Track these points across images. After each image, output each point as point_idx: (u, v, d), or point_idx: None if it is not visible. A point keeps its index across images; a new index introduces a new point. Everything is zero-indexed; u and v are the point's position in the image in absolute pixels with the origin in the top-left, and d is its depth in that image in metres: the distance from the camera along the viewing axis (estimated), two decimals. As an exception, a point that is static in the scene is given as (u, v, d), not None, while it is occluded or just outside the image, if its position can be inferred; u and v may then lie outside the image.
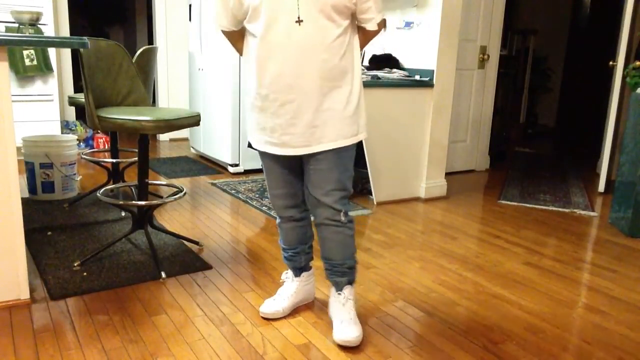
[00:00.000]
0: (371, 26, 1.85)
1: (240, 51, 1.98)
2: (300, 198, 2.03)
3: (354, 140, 1.89)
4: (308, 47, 1.74)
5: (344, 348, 1.92)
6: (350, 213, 2.00)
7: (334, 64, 1.78)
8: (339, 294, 2.04)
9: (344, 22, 1.77)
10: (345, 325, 1.95)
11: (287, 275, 2.20)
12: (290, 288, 2.16)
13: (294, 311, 2.17)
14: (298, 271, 2.17)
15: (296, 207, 2.04)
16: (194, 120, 2.61)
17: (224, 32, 1.93)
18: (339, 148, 1.86)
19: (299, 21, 1.71)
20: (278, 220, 2.11)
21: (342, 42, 1.79)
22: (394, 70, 4.00)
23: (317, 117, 1.81)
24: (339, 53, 1.78)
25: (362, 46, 1.93)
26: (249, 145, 3.89)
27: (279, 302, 2.13)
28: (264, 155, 1.97)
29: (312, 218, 2.07)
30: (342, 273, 2.02)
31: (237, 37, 1.94)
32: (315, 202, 1.93)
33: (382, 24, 1.88)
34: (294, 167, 1.97)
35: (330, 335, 2.00)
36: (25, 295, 2.16)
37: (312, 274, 2.23)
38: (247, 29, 1.83)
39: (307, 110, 1.79)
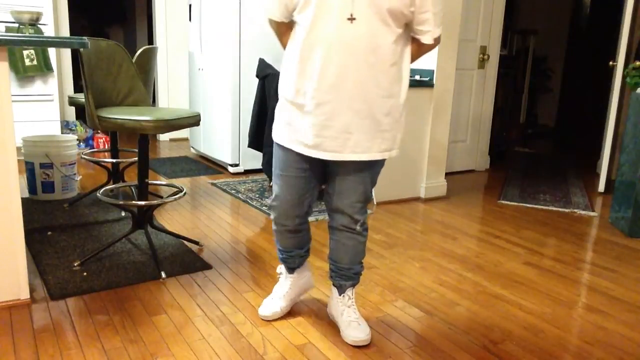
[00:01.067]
0: (427, 39, 1.73)
1: (284, 45, 1.87)
2: (304, 209, 1.95)
3: (387, 156, 1.82)
4: (356, 47, 1.64)
5: (344, 348, 1.92)
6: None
7: (381, 70, 1.69)
8: (343, 296, 2.04)
9: (398, 29, 1.67)
10: (355, 326, 1.97)
11: (282, 270, 2.18)
12: (285, 285, 2.15)
13: (294, 311, 2.17)
14: (292, 270, 2.15)
15: (298, 217, 1.95)
16: (194, 120, 2.60)
17: (272, 22, 1.82)
18: (372, 161, 1.81)
19: (352, 19, 1.61)
20: (273, 227, 2.04)
21: (394, 50, 1.69)
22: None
23: (353, 124, 1.72)
24: (388, 60, 1.68)
25: (414, 59, 1.80)
26: (249, 145, 3.90)
27: (276, 302, 2.12)
28: (287, 153, 1.84)
29: (309, 219, 2.06)
30: (348, 277, 2.02)
31: (284, 30, 1.82)
32: (336, 209, 1.91)
33: (439, 39, 1.77)
34: (314, 174, 1.88)
35: (330, 335, 2.00)
36: (25, 295, 2.16)
37: (307, 267, 2.18)
38: (296, 21, 1.74)
39: (343, 114, 1.70)
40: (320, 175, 1.91)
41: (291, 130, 1.80)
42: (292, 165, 1.85)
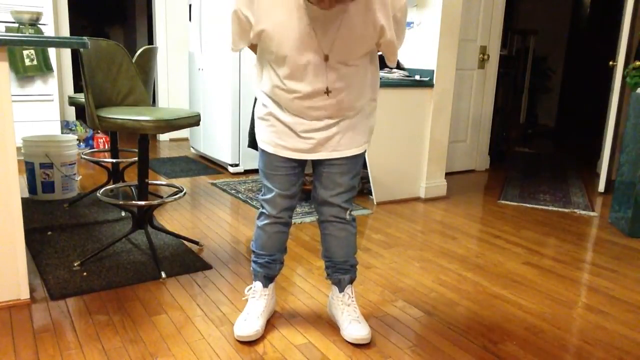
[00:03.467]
0: (391, 63, 1.85)
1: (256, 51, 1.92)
2: (296, 200, 2.01)
3: (365, 148, 1.95)
4: (345, 103, 1.78)
5: (344, 348, 1.92)
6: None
7: (367, 94, 1.85)
8: (343, 294, 2.04)
9: (371, 56, 1.83)
10: (355, 324, 1.98)
11: (255, 290, 2.07)
12: (260, 305, 2.04)
13: (294, 311, 2.17)
14: (268, 281, 2.06)
15: (291, 209, 2.00)
16: (194, 120, 2.61)
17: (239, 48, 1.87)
18: (354, 156, 1.91)
19: (328, 92, 1.73)
20: (262, 223, 2.00)
21: (370, 75, 1.84)
22: (394, 70, 4.00)
23: (340, 125, 1.83)
24: (367, 79, 1.83)
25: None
26: (249, 145, 3.90)
27: (254, 322, 1.98)
28: (274, 157, 1.90)
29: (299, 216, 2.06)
30: (345, 270, 2.03)
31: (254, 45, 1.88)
32: (323, 201, 1.96)
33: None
34: (302, 167, 1.96)
35: (330, 335, 2.00)
36: (25, 295, 2.16)
37: (274, 286, 2.14)
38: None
39: (333, 127, 1.83)
40: (304, 165, 1.98)
41: (275, 136, 1.86)
42: (280, 165, 1.91)
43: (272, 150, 1.88)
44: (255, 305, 2.04)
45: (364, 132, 1.91)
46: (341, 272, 2.03)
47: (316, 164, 1.94)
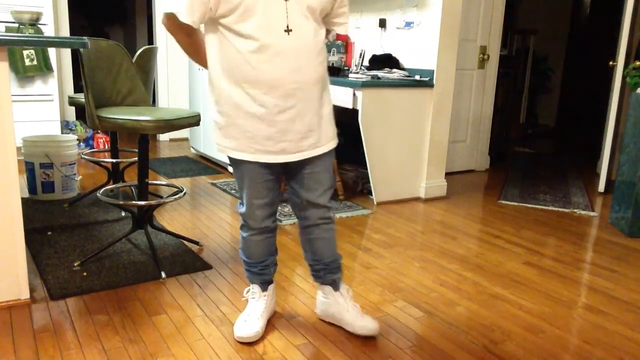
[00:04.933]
0: (342, 30, 1.87)
1: (201, 60, 1.85)
2: (276, 206, 1.97)
3: (337, 140, 1.94)
4: (305, 52, 1.69)
5: (344, 348, 1.92)
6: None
7: (323, 67, 1.79)
8: (339, 292, 2.04)
9: (322, 26, 1.78)
10: (361, 317, 2.01)
11: (254, 291, 2.05)
12: (260, 306, 2.03)
13: (294, 311, 2.17)
14: (266, 285, 2.06)
15: (272, 215, 1.96)
16: (194, 120, 2.60)
17: (179, 32, 1.76)
18: (331, 150, 1.90)
19: (288, 30, 1.66)
20: (247, 234, 1.97)
21: (323, 45, 1.79)
22: (394, 70, 4.00)
23: (314, 122, 1.80)
24: (324, 56, 1.79)
25: None
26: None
27: (254, 323, 1.97)
28: (248, 164, 1.82)
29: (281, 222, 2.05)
30: (336, 269, 2.04)
31: (185, 37, 1.79)
32: (308, 205, 1.92)
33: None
34: (278, 174, 1.90)
35: (330, 335, 2.00)
36: (25, 295, 2.16)
37: (274, 286, 2.13)
38: (226, 30, 1.68)
39: (306, 116, 1.76)
40: (281, 170, 1.94)
41: (249, 141, 1.77)
42: (258, 173, 1.84)
43: (250, 158, 1.78)
44: (255, 306, 2.03)
45: (332, 121, 1.89)
46: (334, 271, 2.04)
47: (297, 166, 1.87)
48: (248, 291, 2.07)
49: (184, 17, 1.64)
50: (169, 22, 1.75)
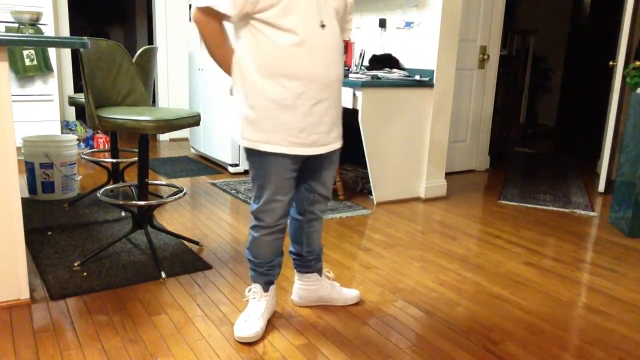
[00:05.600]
0: (347, 35, 2.00)
1: (223, 56, 1.81)
2: (291, 205, 2.01)
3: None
4: (335, 48, 1.81)
5: (344, 348, 1.92)
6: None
7: (342, 65, 1.90)
8: (324, 276, 2.22)
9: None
10: (346, 291, 2.26)
11: (255, 291, 2.05)
12: (261, 306, 2.03)
13: (294, 311, 2.17)
14: (268, 285, 2.05)
15: (288, 214, 1.98)
16: (194, 120, 2.61)
17: (212, 26, 1.73)
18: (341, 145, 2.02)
19: (323, 25, 1.76)
20: (259, 234, 1.95)
21: (339, 34, 1.90)
22: (394, 70, 4.00)
23: (337, 116, 1.91)
24: (343, 56, 1.93)
25: None
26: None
27: (255, 323, 1.97)
28: (278, 159, 1.82)
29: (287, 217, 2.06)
30: (320, 256, 2.18)
31: (218, 31, 1.77)
32: (320, 198, 2.04)
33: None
34: (299, 170, 1.92)
35: (330, 335, 2.00)
36: (25, 295, 2.16)
37: (275, 286, 2.14)
38: (262, 24, 1.70)
39: (333, 109, 1.87)
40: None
41: (286, 135, 1.78)
42: (286, 168, 1.84)
43: (284, 150, 1.79)
44: (256, 306, 2.03)
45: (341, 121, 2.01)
46: (319, 259, 2.18)
47: (317, 160, 1.93)
48: (249, 290, 2.07)
49: (226, 9, 1.67)
50: (203, 16, 1.73)
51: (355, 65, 4.29)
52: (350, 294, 2.25)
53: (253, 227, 1.97)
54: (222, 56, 1.82)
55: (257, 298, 2.05)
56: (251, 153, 1.86)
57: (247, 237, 2.00)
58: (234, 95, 1.85)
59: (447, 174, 4.66)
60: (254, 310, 2.02)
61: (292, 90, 1.75)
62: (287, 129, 1.78)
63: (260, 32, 1.72)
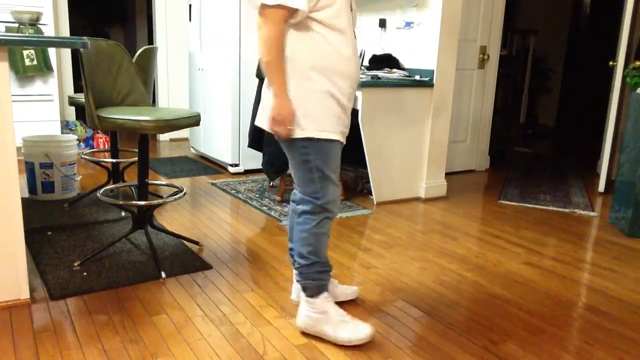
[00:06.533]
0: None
1: (276, 44, 1.78)
2: None
3: None
4: (355, 39, 1.95)
5: (344, 348, 1.92)
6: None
7: None
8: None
9: None
10: (346, 286, 2.32)
11: (325, 296, 1.99)
12: (335, 305, 2.02)
13: (294, 311, 2.17)
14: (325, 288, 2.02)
15: None
16: (194, 120, 2.61)
17: (281, 22, 1.74)
18: None
19: (355, 27, 1.95)
20: (326, 227, 1.95)
21: None
22: (394, 70, 4.00)
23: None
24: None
25: None
26: (250, 145, 3.89)
27: (353, 321, 1.97)
28: (337, 146, 1.92)
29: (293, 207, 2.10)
30: None
31: (283, 27, 1.78)
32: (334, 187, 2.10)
33: None
34: None
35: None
36: (25, 295, 2.16)
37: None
38: (318, 24, 1.78)
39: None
40: None
41: (337, 125, 1.90)
42: (339, 155, 1.97)
43: (340, 138, 1.91)
44: (335, 308, 1.99)
45: None
46: None
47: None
48: (325, 298, 1.99)
49: (300, 3, 1.71)
50: (274, 13, 1.74)
51: (355, 65, 4.29)
52: (350, 289, 2.29)
53: (319, 223, 1.93)
54: (279, 55, 1.79)
55: (330, 299, 2.01)
56: (310, 145, 1.86)
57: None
58: (289, 91, 1.83)
59: (447, 174, 4.66)
60: (337, 309, 1.98)
61: (341, 87, 1.87)
62: (337, 119, 1.89)
63: (315, 32, 1.81)
